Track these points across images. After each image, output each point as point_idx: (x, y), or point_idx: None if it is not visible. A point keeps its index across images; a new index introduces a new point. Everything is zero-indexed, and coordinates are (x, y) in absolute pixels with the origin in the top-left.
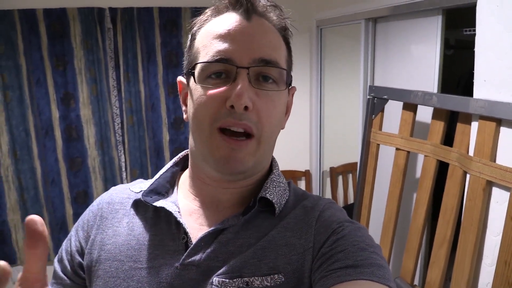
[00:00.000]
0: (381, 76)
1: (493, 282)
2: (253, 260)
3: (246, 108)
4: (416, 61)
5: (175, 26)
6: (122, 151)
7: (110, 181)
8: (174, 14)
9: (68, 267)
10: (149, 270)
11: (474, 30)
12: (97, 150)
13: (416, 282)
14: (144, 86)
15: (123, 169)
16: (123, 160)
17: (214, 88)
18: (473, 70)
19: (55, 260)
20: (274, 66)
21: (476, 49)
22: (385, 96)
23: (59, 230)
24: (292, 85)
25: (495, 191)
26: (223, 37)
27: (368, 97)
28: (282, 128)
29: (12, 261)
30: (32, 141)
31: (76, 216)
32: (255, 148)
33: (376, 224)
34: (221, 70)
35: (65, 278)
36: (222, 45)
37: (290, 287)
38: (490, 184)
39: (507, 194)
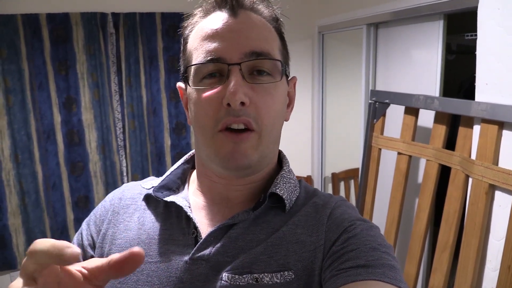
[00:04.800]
0: (383, 81)
1: (497, 287)
2: (263, 256)
3: (242, 104)
4: (417, 66)
5: (177, 31)
6: (124, 155)
7: (111, 186)
8: (176, 20)
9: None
10: (159, 264)
11: (476, 35)
12: (99, 154)
13: None
14: (146, 91)
15: (125, 174)
16: (124, 164)
17: (210, 89)
18: (475, 74)
19: None
20: (266, 58)
21: (477, 52)
22: (387, 100)
23: (60, 235)
24: (293, 82)
25: (498, 194)
26: (211, 37)
27: (369, 101)
28: (286, 120)
29: (12, 266)
30: (34, 145)
31: (77, 220)
32: (257, 142)
33: None
34: (214, 70)
35: None
36: (211, 45)
37: (300, 284)
38: (492, 188)
39: (510, 197)
